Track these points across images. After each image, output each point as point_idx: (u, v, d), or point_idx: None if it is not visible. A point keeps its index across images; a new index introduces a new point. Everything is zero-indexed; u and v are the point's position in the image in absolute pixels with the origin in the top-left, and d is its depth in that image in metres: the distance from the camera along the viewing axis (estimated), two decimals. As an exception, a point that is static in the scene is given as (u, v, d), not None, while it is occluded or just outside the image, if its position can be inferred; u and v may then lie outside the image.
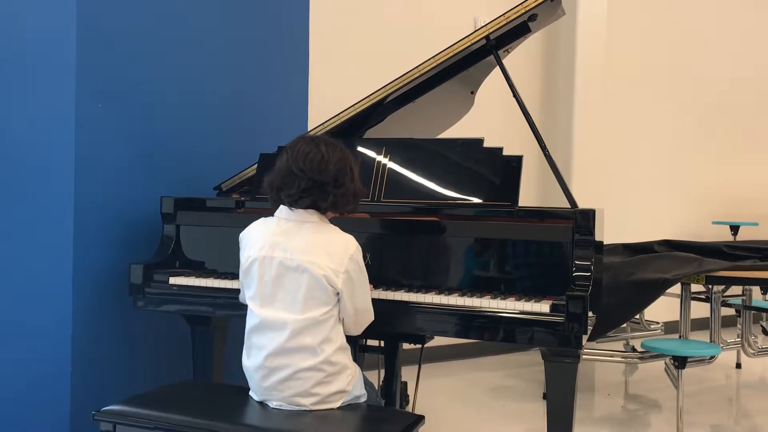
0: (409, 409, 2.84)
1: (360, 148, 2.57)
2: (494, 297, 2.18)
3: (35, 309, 2.58)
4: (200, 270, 2.63)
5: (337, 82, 4.17)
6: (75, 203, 2.55)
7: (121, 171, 2.71)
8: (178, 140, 2.94)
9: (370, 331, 2.18)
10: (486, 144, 2.46)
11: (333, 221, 2.13)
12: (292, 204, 2.05)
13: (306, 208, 2.05)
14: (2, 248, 2.61)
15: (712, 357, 3.63)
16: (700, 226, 6.10)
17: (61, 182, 2.55)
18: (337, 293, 2.01)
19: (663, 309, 4.43)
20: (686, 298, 4.01)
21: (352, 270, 2.01)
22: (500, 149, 2.42)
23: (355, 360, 2.16)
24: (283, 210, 2.09)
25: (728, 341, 4.37)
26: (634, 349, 4.22)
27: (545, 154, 2.45)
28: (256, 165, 2.73)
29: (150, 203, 2.74)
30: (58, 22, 2.54)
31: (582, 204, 2.32)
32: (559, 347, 2.07)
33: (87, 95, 2.58)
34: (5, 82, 2.60)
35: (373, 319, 2.14)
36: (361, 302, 2.07)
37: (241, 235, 2.14)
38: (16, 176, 2.60)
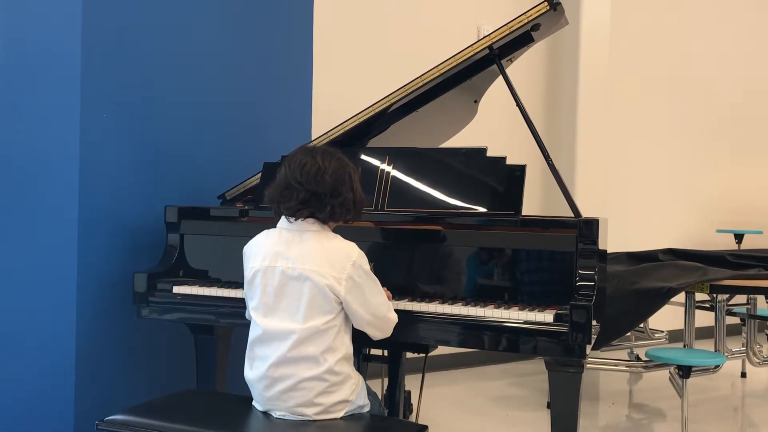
0: (412, 418, 2.83)
1: (363, 157, 2.58)
2: (498, 306, 2.17)
3: (39, 318, 2.59)
4: (204, 279, 2.63)
5: (341, 92, 4.18)
6: (79, 212, 2.56)
7: (125, 180, 2.72)
8: (182, 149, 2.95)
9: (373, 341, 2.17)
10: (489, 153, 2.46)
11: (337, 230, 2.14)
12: (291, 216, 2.05)
13: (305, 218, 2.05)
14: (7, 257, 2.62)
15: (717, 366, 3.62)
16: (704, 235, 6.09)
17: (65, 191, 2.56)
18: (341, 302, 2.01)
19: (667, 318, 4.41)
20: (691, 306, 3.99)
21: (356, 276, 2.01)
22: (503, 158, 2.42)
23: (358, 369, 2.16)
24: (284, 220, 2.10)
25: (733, 350, 4.36)
26: (638, 358, 4.21)
27: (548, 163, 2.45)
28: (259, 174, 2.74)
29: (154, 212, 2.75)
30: (62, 31, 2.56)
31: (585, 213, 2.32)
32: (563, 357, 2.07)
33: (91, 104, 2.59)
34: (10, 92, 2.61)
35: (396, 320, 2.12)
36: (375, 307, 2.06)
37: (244, 248, 2.14)
38: (20, 185, 2.61)
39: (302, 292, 1.99)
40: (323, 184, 2.03)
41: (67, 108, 2.56)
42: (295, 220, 2.06)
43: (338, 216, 2.07)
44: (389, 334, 2.14)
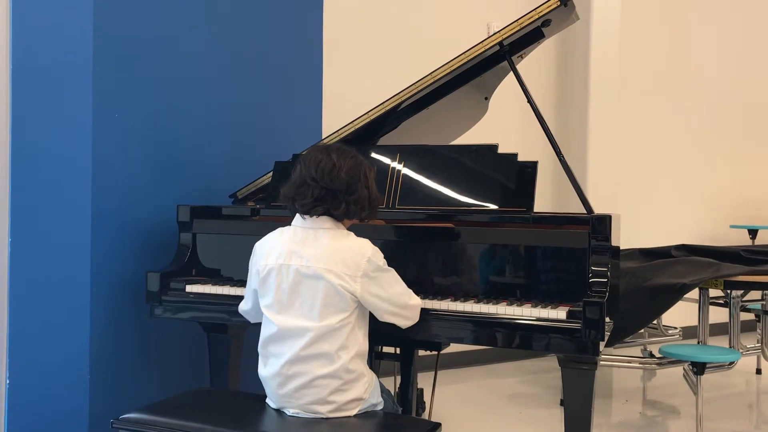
0: (425, 416, 2.83)
1: (374, 155, 2.58)
2: (510, 303, 2.17)
3: (53, 318, 2.60)
4: (216, 278, 2.64)
5: (352, 90, 4.18)
6: (92, 212, 2.57)
7: (137, 180, 2.74)
8: (193, 149, 2.96)
9: (386, 338, 2.17)
10: (500, 150, 2.45)
11: (351, 228, 2.13)
12: (306, 213, 2.06)
13: (320, 216, 2.05)
14: (20, 258, 2.63)
15: (732, 363, 3.59)
16: (717, 230, 6.05)
17: (78, 192, 2.57)
18: (356, 300, 2.01)
19: (681, 314, 4.38)
20: (704, 303, 3.97)
21: (371, 272, 2.01)
22: (515, 155, 2.42)
23: (371, 367, 2.16)
24: (298, 218, 2.10)
25: (748, 346, 4.32)
26: (651, 355, 4.18)
27: (560, 160, 2.44)
28: (271, 173, 2.74)
29: (166, 212, 2.76)
30: (73, 34, 2.57)
31: (597, 209, 2.31)
32: (576, 354, 2.06)
33: (103, 105, 2.60)
34: (22, 94, 2.62)
35: (420, 304, 2.13)
36: (396, 298, 2.06)
37: (255, 245, 2.15)
38: (33, 186, 2.62)
39: (317, 291, 2.00)
40: (338, 181, 2.03)
41: (80, 109, 2.57)
42: (310, 217, 2.06)
43: (353, 214, 2.08)
44: (416, 321, 2.14)
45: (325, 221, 2.06)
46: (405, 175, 2.52)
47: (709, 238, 5.86)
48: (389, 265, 2.09)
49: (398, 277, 2.09)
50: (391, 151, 2.58)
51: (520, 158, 2.41)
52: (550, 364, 4.77)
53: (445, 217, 2.36)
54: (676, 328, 4.68)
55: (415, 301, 2.12)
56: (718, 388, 4.41)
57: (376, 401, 2.11)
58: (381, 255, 2.06)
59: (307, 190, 2.04)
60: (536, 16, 2.49)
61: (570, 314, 2.06)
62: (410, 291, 2.12)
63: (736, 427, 3.76)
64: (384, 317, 2.08)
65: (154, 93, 2.80)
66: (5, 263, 2.63)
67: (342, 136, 2.70)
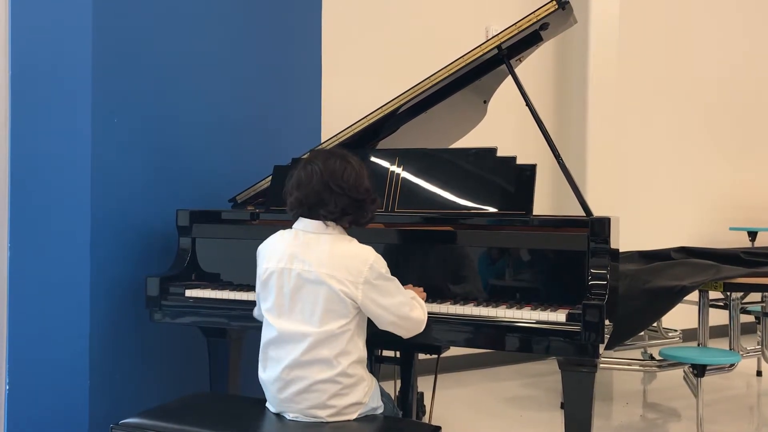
0: (425, 419, 2.83)
1: (373, 159, 2.58)
2: (510, 306, 2.17)
3: (53, 322, 2.60)
4: (216, 282, 2.64)
5: (350, 93, 4.19)
6: (92, 217, 2.58)
7: (136, 184, 2.74)
8: (192, 153, 2.96)
9: (386, 342, 2.17)
10: (499, 153, 2.46)
11: (349, 232, 2.13)
12: (334, 221, 2.06)
13: (347, 224, 2.08)
14: (20, 262, 2.64)
15: (732, 365, 3.59)
16: (717, 233, 6.05)
17: (77, 196, 2.58)
18: (357, 306, 2.01)
19: (681, 316, 4.39)
20: (704, 305, 3.97)
21: (373, 279, 2.00)
22: (514, 158, 2.42)
23: (371, 371, 2.16)
24: (300, 222, 2.09)
25: (748, 349, 4.32)
26: (652, 358, 4.18)
27: (559, 162, 2.44)
28: (270, 177, 2.74)
29: (166, 216, 2.76)
30: (73, 39, 2.58)
31: (597, 211, 2.31)
32: (575, 356, 2.06)
33: (102, 110, 2.61)
34: (22, 98, 2.63)
35: (423, 318, 2.11)
36: (397, 308, 2.04)
37: (259, 248, 2.14)
38: (33, 190, 2.63)
39: (318, 296, 1.99)
40: (361, 189, 2.05)
41: (79, 113, 2.57)
42: (313, 221, 2.05)
43: (358, 219, 2.09)
44: (419, 332, 2.12)
45: (328, 226, 2.06)
46: (404, 179, 2.52)
47: (709, 240, 5.86)
48: (390, 268, 2.08)
49: (401, 287, 2.07)
50: (390, 154, 2.58)
51: (519, 161, 2.41)
52: (550, 367, 4.76)
53: (445, 220, 2.36)
54: (676, 330, 4.69)
55: (417, 314, 2.09)
56: (719, 391, 4.41)
57: (376, 405, 2.10)
58: (384, 263, 2.05)
59: (330, 197, 2.02)
60: (534, 20, 2.49)
61: (570, 317, 2.06)
62: (414, 303, 2.10)
63: (737, 429, 3.76)
64: (384, 326, 2.07)
65: (153, 97, 2.80)
66: (5, 268, 2.64)
67: (341, 139, 2.70)
